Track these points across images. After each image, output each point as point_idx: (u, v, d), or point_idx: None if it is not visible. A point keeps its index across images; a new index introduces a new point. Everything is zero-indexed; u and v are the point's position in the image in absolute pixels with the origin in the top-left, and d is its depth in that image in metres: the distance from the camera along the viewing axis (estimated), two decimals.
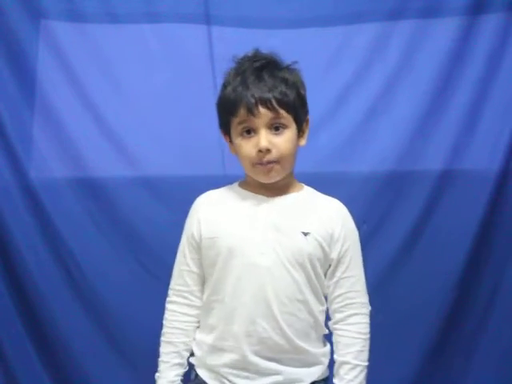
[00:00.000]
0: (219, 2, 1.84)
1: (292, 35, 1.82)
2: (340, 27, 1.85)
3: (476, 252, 1.77)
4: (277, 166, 1.22)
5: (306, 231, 1.23)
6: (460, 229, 1.77)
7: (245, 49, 1.28)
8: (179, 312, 1.29)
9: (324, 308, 1.28)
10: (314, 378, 1.25)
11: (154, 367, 1.29)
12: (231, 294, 1.22)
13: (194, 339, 1.29)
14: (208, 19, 1.84)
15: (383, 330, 1.64)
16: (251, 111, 1.19)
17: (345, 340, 1.25)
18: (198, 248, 1.28)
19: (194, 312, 1.29)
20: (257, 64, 1.23)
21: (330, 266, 1.27)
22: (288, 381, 1.22)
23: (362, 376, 1.24)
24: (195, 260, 1.29)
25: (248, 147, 1.21)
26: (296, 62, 1.28)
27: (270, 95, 1.19)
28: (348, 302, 1.26)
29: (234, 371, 1.22)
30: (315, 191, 1.33)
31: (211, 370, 1.25)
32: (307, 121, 1.30)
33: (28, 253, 1.77)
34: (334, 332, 1.27)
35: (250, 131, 1.22)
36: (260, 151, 1.20)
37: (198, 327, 1.30)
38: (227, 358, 1.22)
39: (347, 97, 1.83)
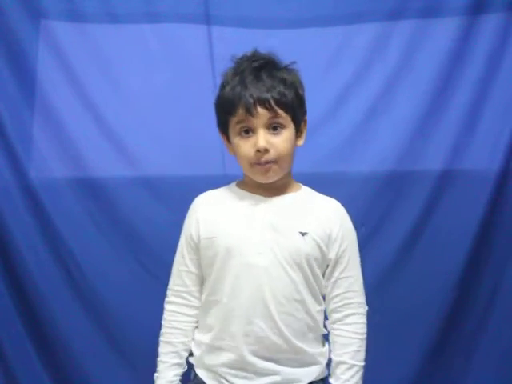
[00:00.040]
0: (219, 2, 1.84)
1: (292, 35, 1.82)
2: (340, 27, 1.85)
3: (476, 252, 1.77)
4: (275, 166, 1.22)
5: (303, 231, 1.23)
6: (460, 229, 1.77)
7: (245, 49, 1.28)
8: (178, 312, 1.29)
9: (322, 308, 1.28)
10: (312, 378, 1.25)
11: (153, 367, 1.29)
12: (229, 294, 1.22)
13: (193, 339, 1.29)
14: (208, 19, 1.84)
15: (383, 330, 1.65)
16: (249, 111, 1.19)
17: (342, 340, 1.25)
18: (196, 248, 1.28)
19: (193, 312, 1.30)
20: (255, 64, 1.23)
21: (327, 266, 1.27)
22: (286, 381, 1.22)
23: (359, 376, 1.24)
24: (194, 260, 1.29)
25: (246, 147, 1.22)
26: (294, 62, 1.28)
27: (268, 95, 1.19)
28: (346, 301, 1.26)
29: (232, 371, 1.22)
30: (313, 191, 1.33)
31: (209, 369, 1.25)
32: (305, 121, 1.30)
33: (28, 253, 1.77)
34: (331, 332, 1.27)
35: (248, 131, 1.22)
36: (258, 151, 1.20)
37: (196, 327, 1.30)
38: (225, 357, 1.22)
39: (347, 97, 1.83)
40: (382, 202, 1.80)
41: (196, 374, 1.27)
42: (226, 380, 1.22)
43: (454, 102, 1.80)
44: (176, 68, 1.83)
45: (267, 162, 1.21)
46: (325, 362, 1.27)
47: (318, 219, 1.26)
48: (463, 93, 1.80)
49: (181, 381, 1.28)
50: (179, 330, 1.29)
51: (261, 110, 1.19)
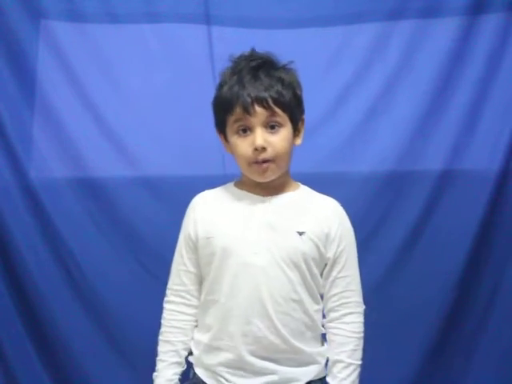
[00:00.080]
0: (219, 2, 1.85)
1: (292, 35, 1.82)
2: (340, 27, 1.85)
3: (476, 252, 1.77)
4: (272, 165, 1.22)
5: (301, 231, 1.23)
6: (460, 229, 1.77)
7: (245, 49, 1.28)
8: (177, 311, 1.30)
9: (320, 307, 1.28)
10: (311, 377, 1.24)
11: (153, 367, 1.29)
12: (227, 293, 1.22)
13: (192, 338, 1.29)
14: (208, 19, 1.84)
15: (384, 330, 1.65)
16: (247, 110, 1.19)
17: (339, 339, 1.25)
18: (194, 248, 1.28)
19: (192, 311, 1.30)
20: (253, 63, 1.24)
21: (325, 265, 1.27)
22: (284, 380, 1.22)
23: (355, 375, 1.24)
24: (192, 260, 1.29)
25: (244, 146, 1.22)
26: (292, 62, 1.28)
27: (266, 94, 1.20)
28: (343, 301, 1.26)
29: (230, 370, 1.22)
30: (311, 190, 1.33)
31: (208, 368, 1.25)
32: (303, 120, 1.30)
33: (28, 253, 1.77)
34: (329, 330, 1.27)
35: (245, 130, 1.22)
36: (256, 149, 1.20)
37: (195, 326, 1.30)
38: (223, 357, 1.22)
39: (347, 97, 1.83)
40: (381, 202, 1.80)
41: (195, 373, 1.27)
42: (225, 379, 1.22)
43: (454, 101, 1.80)
44: (176, 68, 1.83)
45: (265, 161, 1.21)
46: (323, 361, 1.27)
47: (316, 218, 1.26)
48: (463, 93, 1.80)
49: (180, 380, 1.28)
50: (178, 329, 1.29)
51: (258, 109, 1.20)
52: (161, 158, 1.81)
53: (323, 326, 1.28)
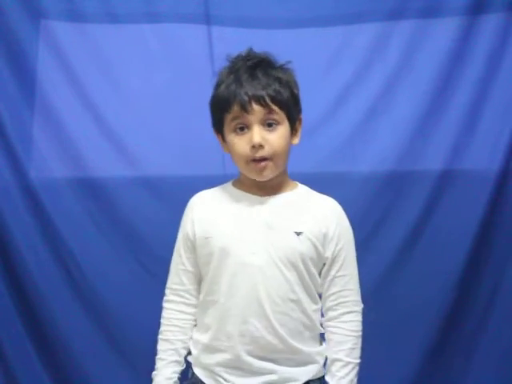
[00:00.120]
0: (219, 2, 1.85)
1: (292, 35, 1.82)
2: (340, 27, 1.85)
3: (476, 252, 1.77)
4: (270, 163, 1.22)
5: (298, 231, 1.23)
6: (460, 229, 1.77)
7: (245, 49, 1.28)
8: (176, 310, 1.30)
9: (318, 307, 1.28)
10: (309, 376, 1.24)
11: (153, 367, 1.29)
12: (226, 293, 1.22)
13: (191, 338, 1.29)
14: (208, 19, 1.84)
15: (384, 330, 1.65)
16: (244, 108, 1.19)
17: (337, 337, 1.25)
18: (192, 247, 1.29)
19: (191, 310, 1.30)
20: (250, 63, 1.24)
21: (324, 264, 1.27)
22: (282, 379, 1.22)
23: (354, 373, 1.24)
24: (190, 259, 1.30)
25: (241, 144, 1.22)
26: (290, 62, 1.28)
27: (263, 92, 1.20)
28: (341, 300, 1.26)
29: (228, 370, 1.22)
30: (309, 189, 1.33)
31: (206, 368, 1.25)
32: (300, 119, 1.30)
33: (28, 253, 1.77)
34: (327, 329, 1.27)
35: (243, 128, 1.22)
36: (253, 147, 1.20)
37: (194, 325, 1.30)
38: (220, 357, 1.23)
39: (347, 97, 1.83)
40: (381, 202, 1.80)
41: (193, 373, 1.28)
42: (223, 378, 1.22)
43: (454, 101, 1.80)
44: (176, 68, 1.83)
45: (262, 159, 1.21)
46: (322, 361, 1.27)
47: (314, 218, 1.26)
48: (463, 93, 1.80)
49: (179, 379, 1.29)
50: (178, 328, 1.29)
51: (256, 107, 1.20)
52: (161, 157, 1.81)
53: (322, 325, 1.28)
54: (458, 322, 1.77)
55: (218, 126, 1.28)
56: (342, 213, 1.31)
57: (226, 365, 1.22)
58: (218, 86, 1.26)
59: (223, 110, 1.23)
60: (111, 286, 1.77)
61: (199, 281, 1.30)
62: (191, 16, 1.84)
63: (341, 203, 1.32)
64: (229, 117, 1.23)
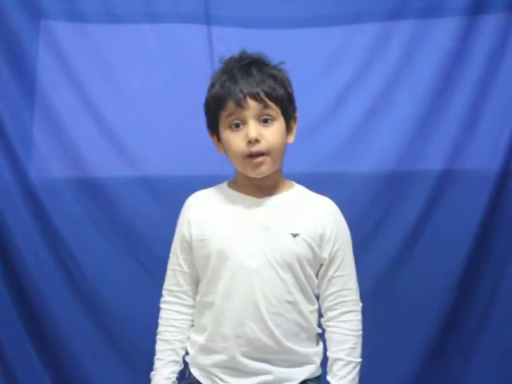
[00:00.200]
0: (219, 2, 1.84)
1: (292, 35, 1.82)
2: (340, 27, 1.85)
3: (476, 252, 1.77)
4: (267, 159, 1.21)
5: (295, 232, 1.23)
6: (460, 229, 1.77)
7: (245, 49, 1.28)
8: (174, 310, 1.30)
9: (315, 308, 1.28)
10: (306, 375, 1.25)
11: (153, 367, 1.29)
12: (223, 295, 1.23)
13: (189, 338, 1.30)
14: (208, 19, 1.84)
15: (384, 330, 1.65)
16: (240, 104, 1.19)
17: (337, 337, 1.25)
18: (189, 249, 1.29)
19: (189, 311, 1.30)
20: (243, 62, 1.24)
21: (321, 265, 1.27)
22: (278, 380, 1.22)
23: (355, 372, 1.24)
24: (187, 260, 1.30)
25: (237, 140, 1.21)
26: (283, 63, 1.28)
27: (258, 89, 1.20)
28: (340, 300, 1.26)
29: (224, 370, 1.23)
30: (306, 189, 1.33)
31: (202, 368, 1.26)
32: (295, 118, 1.30)
33: (28, 253, 1.77)
34: (327, 329, 1.27)
35: (238, 124, 1.22)
36: (249, 142, 1.20)
37: (192, 326, 1.31)
38: (216, 358, 1.23)
39: (347, 97, 1.83)
40: (381, 202, 1.80)
41: (190, 373, 1.28)
42: (219, 378, 1.23)
43: (454, 101, 1.80)
44: (176, 68, 1.83)
45: (259, 154, 1.20)
46: (319, 361, 1.28)
47: (311, 219, 1.26)
48: (463, 93, 1.80)
49: (177, 379, 1.29)
50: (176, 328, 1.29)
51: (251, 103, 1.20)
52: (161, 158, 1.81)
53: (319, 325, 1.28)
54: (457, 322, 1.77)
55: (213, 126, 1.28)
56: (338, 213, 1.30)
57: (222, 365, 1.23)
58: (211, 86, 1.26)
59: (218, 108, 1.23)
60: (111, 286, 1.77)
61: (196, 282, 1.30)
62: (191, 16, 1.84)
63: (341, 203, 1.31)
64: (224, 114, 1.22)
